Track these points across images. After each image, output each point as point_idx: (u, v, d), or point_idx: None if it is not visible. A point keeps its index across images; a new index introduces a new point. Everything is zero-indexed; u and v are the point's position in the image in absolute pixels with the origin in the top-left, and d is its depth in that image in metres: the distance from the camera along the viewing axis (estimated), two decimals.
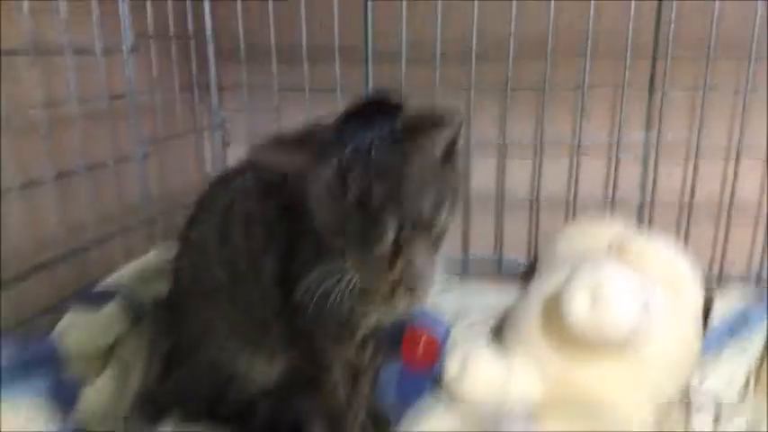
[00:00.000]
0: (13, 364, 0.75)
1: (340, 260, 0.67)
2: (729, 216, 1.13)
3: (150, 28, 1.12)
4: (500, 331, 0.97)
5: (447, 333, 1.07)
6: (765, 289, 1.10)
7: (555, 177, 1.21)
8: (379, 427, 0.87)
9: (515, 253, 1.24)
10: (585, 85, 1.12)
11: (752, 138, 1.10)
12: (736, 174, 1.11)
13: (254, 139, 1.15)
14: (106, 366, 0.88)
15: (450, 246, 0.79)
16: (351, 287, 0.68)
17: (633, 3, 1.06)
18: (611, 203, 1.18)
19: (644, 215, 1.16)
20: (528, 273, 1.17)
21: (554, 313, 0.83)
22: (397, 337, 1.00)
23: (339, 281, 0.68)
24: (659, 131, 1.13)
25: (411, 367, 1.00)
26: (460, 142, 0.66)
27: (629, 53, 1.09)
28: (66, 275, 0.96)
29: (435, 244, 0.69)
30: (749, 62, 1.05)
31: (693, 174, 1.13)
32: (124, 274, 0.99)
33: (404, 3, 1.12)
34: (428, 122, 0.64)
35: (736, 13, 1.05)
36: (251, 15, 1.19)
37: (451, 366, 0.86)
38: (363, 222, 0.63)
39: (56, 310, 0.89)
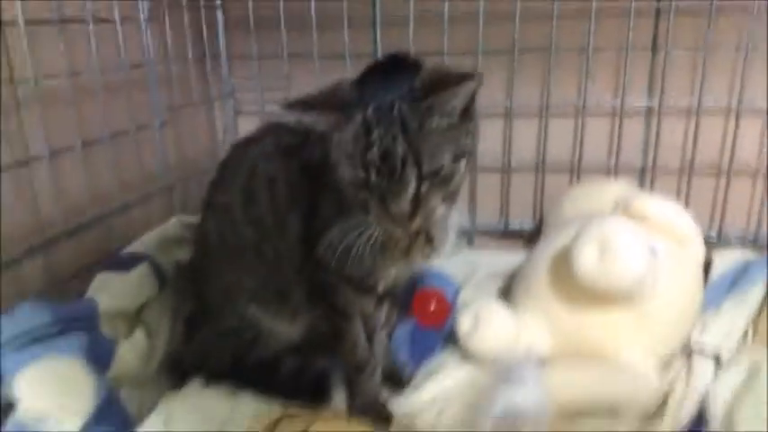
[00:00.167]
0: (51, 323, 0.78)
1: (362, 214, 0.72)
2: (729, 176, 1.16)
3: None
4: (508, 291, 1.00)
5: (457, 293, 1.11)
6: (765, 245, 1.14)
7: (559, 141, 1.23)
8: (395, 380, 0.91)
9: (521, 216, 1.28)
10: (590, 47, 1.14)
11: (753, 96, 1.12)
12: (735, 134, 1.14)
13: (265, 108, 1.20)
14: (135, 329, 0.92)
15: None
16: (372, 240, 0.72)
17: None
18: (614, 166, 1.21)
19: (646, 176, 1.20)
20: (534, 235, 1.20)
21: (562, 268, 0.87)
22: (408, 299, 1.04)
23: (361, 234, 0.72)
24: (662, 92, 1.15)
25: (423, 325, 1.04)
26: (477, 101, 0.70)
27: (632, 13, 1.11)
28: (91, 242, 0.99)
29: (452, 197, 0.72)
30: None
31: (695, 134, 1.16)
32: (147, 240, 1.02)
33: None
34: (447, 80, 0.67)
35: None
36: None
37: (464, 321, 0.90)
38: (386, 176, 0.67)
39: (85, 274, 0.92)
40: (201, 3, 1.25)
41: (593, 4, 1.11)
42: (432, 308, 1.06)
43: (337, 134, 0.69)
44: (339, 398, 0.88)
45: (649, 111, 1.18)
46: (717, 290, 0.97)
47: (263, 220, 0.85)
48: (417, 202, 0.68)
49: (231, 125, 1.33)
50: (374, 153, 0.67)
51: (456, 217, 0.80)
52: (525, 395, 0.73)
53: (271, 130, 0.89)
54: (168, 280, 0.99)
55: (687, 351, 0.89)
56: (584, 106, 1.19)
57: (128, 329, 0.90)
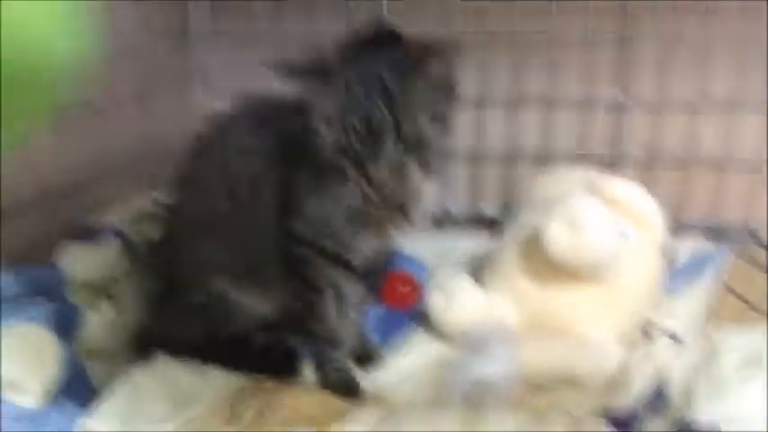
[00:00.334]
0: (18, 290, 0.77)
1: (340, 183, 0.72)
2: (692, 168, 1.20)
3: None
4: (478, 272, 1.02)
5: (427, 276, 1.12)
6: (721, 234, 1.18)
7: (529, 131, 1.26)
8: (366, 360, 0.92)
9: (491, 203, 1.30)
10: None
11: (714, 89, 1.16)
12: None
13: (238, 86, 1.18)
14: (103, 301, 0.90)
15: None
16: (350, 210, 0.73)
17: None
18: (582, 156, 1.23)
19: (615, 167, 1.23)
20: (503, 221, 1.22)
21: (531, 248, 0.89)
22: (379, 282, 1.05)
23: (338, 203, 0.73)
24: (630, 84, 1.19)
25: (393, 308, 1.05)
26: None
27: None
28: (60, 214, 0.98)
29: (430, 166, 0.74)
30: None
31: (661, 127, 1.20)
32: (117, 214, 1.01)
33: None
34: (428, 50, 0.69)
35: None
36: None
37: (435, 299, 0.92)
38: (366, 142, 0.69)
39: (53, 245, 0.91)
40: None
41: None
42: (402, 290, 1.07)
43: (319, 100, 0.70)
44: (309, 373, 0.88)
45: (618, 102, 1.21)
46: (676, 277, 1.02)
47: (238, 193, 0.85)
48: (396, 167, 0.70)
49: (203, 104, 1.31)
50: (354, 116, 0.68)
51: (433, 191, 0.81)
52: (495, 366, 0.75)
53: (246, 102, 0.89)
54: (138, 254, 0.98)
55: (647, 332, 0.92)
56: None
57: (95, 301, 0.88)
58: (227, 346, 0.89)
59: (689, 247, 1.09)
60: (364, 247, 0.82)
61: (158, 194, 1.11)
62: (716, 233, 1.19)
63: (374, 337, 0.98)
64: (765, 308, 0.93)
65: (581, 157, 1.23)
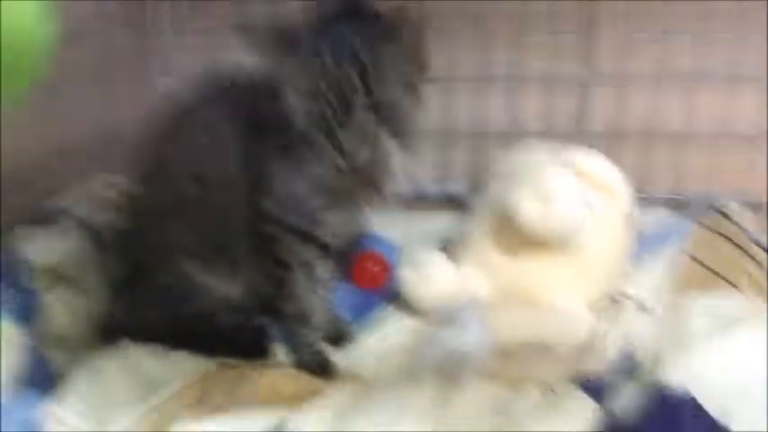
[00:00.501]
0: None
1: (310, 153, 0.71)
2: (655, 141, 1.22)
3: None
4: (449, 249, 1.02)
5: (397, 255, 1.11)
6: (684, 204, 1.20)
7: (496, 107, 1.26)
8: (338, 339, 0.90)
9: (459, 182, 1.29)
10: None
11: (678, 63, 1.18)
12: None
13: (197, 68, 1.15)
14: (62, 286, 0.87)
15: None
16: (319, 181, 0.71)
17: None
18: (548, 133, 1.24)
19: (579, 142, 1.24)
20: (470, 200, 1.23)
21: (502, 220, 0.89)
22: (349, 264, 1.04)
23: (308, 175, 0.71)
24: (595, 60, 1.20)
25: (363, 288, 1.04)
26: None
27: None
28: (14, 198, 0.93)
29: (401, 135, 0.73)
30: None
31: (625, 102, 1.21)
32: (73, 196, 0.98)
33: None
34: (399, 20, 0.69)
35: None
36: None
37: (407, 274, 0.91)
38: (337, 111, 0.68)
39: (7, 229, 0.87)
40: None
41: None
42: (372, 270, 1.06)
43: (288, 67, 0.69)
44: (280, 353, 0.87)
45: (583, 78, 1.22)
46: (641, 246, 1.03)
47: (202, 171, 0.82)
48: (367, 133, 0.69)
49: (160, 84, 1.28)
50: (324, 83, 0.67)
51: (404, 163, 0.80)
52: (467, 337, 0.75)
53: (210, 77, 0.86)
54: (97, 238, 0.95)
55: (615, 300, 0.93)
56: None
57: (52, 285, 0.85)
58: (193, 330, 0.86)
59: (652, 218, 1.11)
60: (335, 223, 0.81)
61: (118, 178, 1.08)
62: (680, 205, 1.21)
63: (346, 317, 0.97)
64: (730, 274, 0.95)
65: (547, 134, 1.24)
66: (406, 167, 0.80)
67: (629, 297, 0.93)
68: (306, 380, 0.80)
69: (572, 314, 0.85)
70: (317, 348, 0.86)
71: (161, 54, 1.27)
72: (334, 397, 0.72)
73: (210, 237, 0.85)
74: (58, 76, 0.99)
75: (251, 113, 0.79)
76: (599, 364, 0.78)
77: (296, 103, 0.70)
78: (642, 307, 0.91)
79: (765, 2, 1.11)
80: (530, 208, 0.82)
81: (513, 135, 1.24)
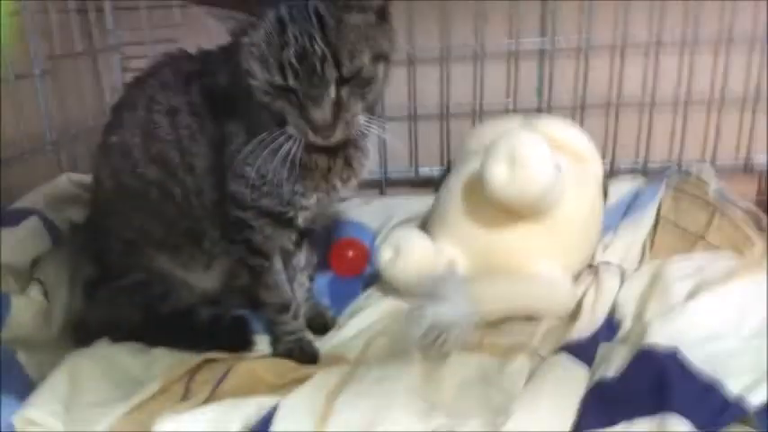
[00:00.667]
0: None
1: (277, 128, 0.68)
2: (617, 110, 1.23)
3: None
4: (424, 227, 1.01)
5: (373, 240, 1.10)
6: (650, 173, 1.21)
7: (460, 86, 1.25)
8: (320, 324, 0.90)
9: (430, 163, 1.29)
10: None
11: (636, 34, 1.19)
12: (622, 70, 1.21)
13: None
14: (29, 286, 0.84)
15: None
16: (291, 157, 0.69)
17: None
18: (512, 109, 1.24)
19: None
20: (443, 180, 1.22)
21: (474, 192, 0.89)
22: (326, 251, 1.03)
23: (277, 150, 0.68)
24: (554, 33, 1.20)
25: (342, 274, 1.03)
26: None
27: None
28: None
29: (372, 107, 0.71)
30: None
31: (585, 72, 1.21)
32: (35, 196, 0.94)
33: None
34: None
35: None
36: None
37: (384, 252, 0.90)
38: (304, 78, 0.64)
39: None
40: None
41: None
42: (349, 256, 1.05)
43: (248, 37, 0.66)
44: (262, 343, 0.85)
45: (542, 51, 1.22)
46: (613, 215, 1.04)
47: (167, 157, 0.79)
48: (338, 107, 0.66)
49: (118, 81, 1.24)
50: (290, 53, 0.64)
51: (374, 141, 0.78)
52: (452, 307, 0.74)
53: (166, 61, 0.83)
54: (62, 236, 0.92)
55: (593, 269, 0.94)
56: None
57: (21, 287, 0.82)
58: (171, 325, 0.84)
59: (622, 187, 1.12)
60: (307, 203, 0.78)
61: (77, 173, 1.05)
62: (645, 172, 1.23)
63: (326, 303, 0.96)
64: (704, 233, 0.96)
65: (513, 109, 1.24)
66: (380, 146, 0.78)
67: (607, 265, 0.94)
68: (290, 367, 0.78)
69: (554, 281, 0.85)
70: (299, 336, 0.84)
71: (115, 43, 1.23)
72: (324, 379, 0.71)
73: (179, 225, 0.82)
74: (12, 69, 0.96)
75: (212, 89, 0.76)
76: (583, 328, 0.78)
77: (258, 75, 0.66)
78: (623, 272, 0.92)
79: None
80: (500, 174, 0.82)
81: (478, 113, 1.25)
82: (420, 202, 1.14)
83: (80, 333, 0.84)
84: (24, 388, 0.70)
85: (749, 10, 1.17)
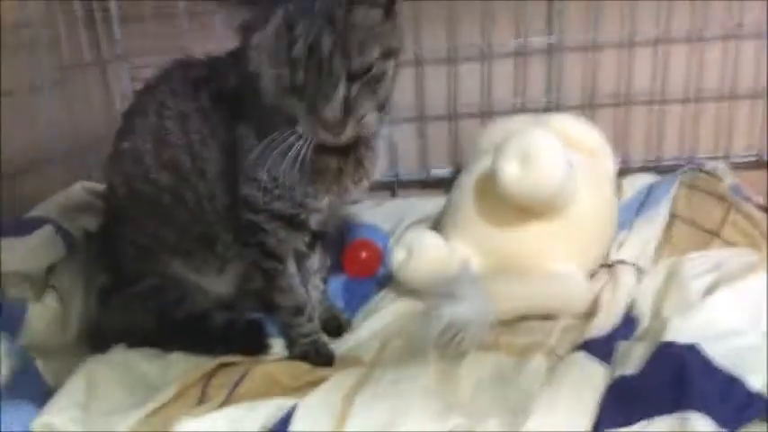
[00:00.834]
0: None
1: (287, 127, 0.68)
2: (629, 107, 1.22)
3: None
4: (437, 226, 1.00)
5: (386, 241, 1.10)
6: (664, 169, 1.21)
7: (468, 87, 1.25)
8: (334, 326, 0.89)
9: (440, 164, 1.29)
10: None
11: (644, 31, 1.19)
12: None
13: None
14: (44, 294, 0.84)
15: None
16: (301, 157, 0.68)
17: None
18: (521, 108, 1.24)
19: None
20: (454, 180, 1.22)
21: (486, 190, 0.88)
22: (339, 253, 1.02)
23: (287, 151, 0.68)
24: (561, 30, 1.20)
25: (356, 275, 1.03)
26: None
27: None
28: None
29: (382, 107, 0.70)
30: None
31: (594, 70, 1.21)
32: (49, 205, 0.95)
33: None
34: None
35: None
36: None
37: (398, 254, 0.89)
38: (314, 74, 0.64)
39: None
40: None
41: None
42: (362, 258, 1.04)
43: (257, 34, 0.65)
44: (277, 346, 0.85)
45: (550, 49, 1.22)
46: (627, 212, 1.03)
47: (179, 162, 0.80)
48: (348, 104, 0.66)
49: (128, 89, 1.24)
50: (299, 48, 0.63)
51: (385, 142, 0.78)
52: (468, 306, 0.73)
53: (175, 66, 0.84)
54: (76, 244, 0.92)
55: (609, 266, 0.93)
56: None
57: (37, 294, 0.82)
58: (186, 330, 0.84)
59: (634, 183, 1.11)
60: (319, 205, 0.78)
61: (90, 182, 1.05)
62: (657, 168, 1.22)
63: (340, 305, 0.95)
64: (718, 228, 0.95)
65: (522, 108, 1.23)
66: (391, 146, 0.77)
67: (622, 262, 0.93)
68: (306, 370, 0.78)
69: (569, 279, 0.84)
70: (313, 338, 0.84)
71: (122, 52, 1.24)
72: (340, 381, 0.70)
73: (193, 229, 0.82)
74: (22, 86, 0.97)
75: (221, 93, 0.76)
76: (602, 327, 0.78)
77: (267, 77, 0.66)
78: (638, 269, 0.91)
79: None
80: (513, 172, 0.81)
81: (487, 113, 1.24)
82: (432, 203, 1.13)
83: (96, 339, 0.84)
84: (41, 395, 0.70)
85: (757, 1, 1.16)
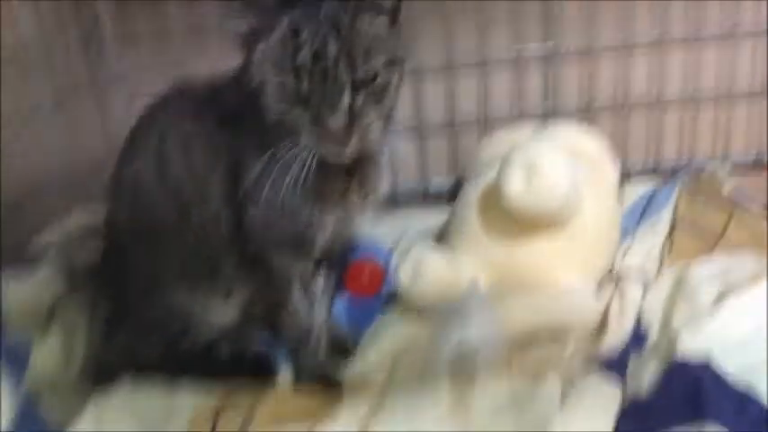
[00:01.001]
0: None
1: (290, 143, 0.66)
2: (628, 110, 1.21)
3: None
4: (440, 241, 1.00)
5: (388, 258, 1.09)
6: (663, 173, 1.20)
7: (464, 96, 1.23)
8: (341, 350, 0.88)
9: (440, 176, 1.28)
10: None
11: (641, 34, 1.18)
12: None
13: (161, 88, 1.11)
14: (49, 330, 0.83)
15: None
16: (305, 173, 0.67)
17: None
18: (518, 116, 1.22)
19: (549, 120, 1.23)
20: (455, 192, 1.21)
21: (491, 204, 0.88)
22: (341, 273, 1.01)
23: (290, 168, 0.67)
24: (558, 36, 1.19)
25: (358, 295, 1.02)
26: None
27: None
28: None
29: (387, 118, 0.68)
30: None
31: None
32: (49, 235, 0.93)
33: None
34: None
35: None
36: None
37: (403, 273, 0.89)
38: (318, 81, 0.63)
39: None
40: None
41: None
42: (365, 277, 1.03)
43: (262, 45, 0.65)
44: (285, 373, 0.84)
45: (546, 56, 1.21)
46: (629, 219, 1.03)
47: (181, 187, 0.78)
48: (353, 113, 0.64)
49: (126, 111, 1.23)
50: (305, 54, 0.62)
51: (393, 147, 0.76)
52: (476, 328, 0.73)
53: (176, 90, 0.82)
54: (78, 276, 0.90)
55: (615, 276, 0.92)
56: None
57: (41, 331, 0.81)
58: (192, 361, 0.83)
59: (636, 189, 1.10)
60: (327, 228, 0.77)
61: (92, 209, 1.04)
62: (658, 173, 1.21)
63: (344, 327, 0.94)
64: (723, 234, 0.95)
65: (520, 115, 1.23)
66: (395, 161, 0.76)
67: (628, 272, 0.92)
68: (315, 395, 0.78)
69: (579, 292, 0.84)
70: (322, 365, 0.83)
71: (118, 74, 1.23)
72: (354, 409, 0.70)
73: (196, 257, 0.81)
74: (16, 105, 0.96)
75: (222, 114, 0.75)
76: (613, 343, 0.77)
77: (270, 87, 0.65)
78: (645, 277, 0.91)
79: None
80: (517, 186, 0.81)
81: (485, 121, 1.23)
82: (432, 216, 1.12)
83: (100, 374, 0.83)
84: None
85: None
